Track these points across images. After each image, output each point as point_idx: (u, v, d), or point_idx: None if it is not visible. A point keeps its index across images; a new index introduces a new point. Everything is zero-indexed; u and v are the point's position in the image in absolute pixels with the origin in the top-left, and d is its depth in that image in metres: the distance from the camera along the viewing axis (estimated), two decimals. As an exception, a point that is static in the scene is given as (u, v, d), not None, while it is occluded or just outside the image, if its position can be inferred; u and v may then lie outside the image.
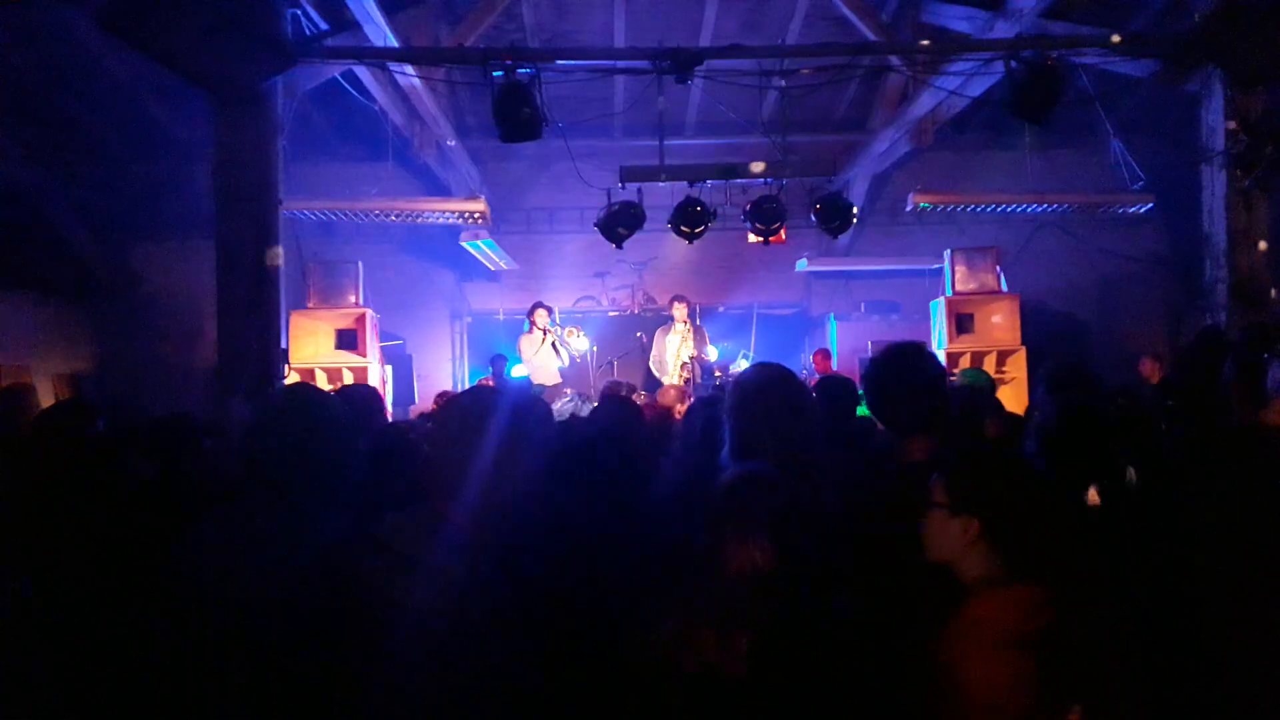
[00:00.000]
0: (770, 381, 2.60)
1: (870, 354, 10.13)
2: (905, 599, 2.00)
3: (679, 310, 9.84)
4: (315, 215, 9.39)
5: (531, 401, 2.99)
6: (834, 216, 7.61)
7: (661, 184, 7.55)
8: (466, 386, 10.79)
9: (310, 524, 2.17)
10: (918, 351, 2.66)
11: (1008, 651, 1.77)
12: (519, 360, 9.75)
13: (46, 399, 9.58)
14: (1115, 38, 6.67)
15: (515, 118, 6.28)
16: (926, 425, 2.48)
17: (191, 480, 3.91)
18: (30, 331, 9.67)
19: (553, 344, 9.74)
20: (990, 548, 1.93)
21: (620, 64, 7.27)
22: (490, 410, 2.04)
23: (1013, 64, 6.62)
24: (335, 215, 9.43)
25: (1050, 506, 2.00)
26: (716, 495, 2.11)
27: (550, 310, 9.91)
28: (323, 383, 8.35)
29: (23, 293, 9.47)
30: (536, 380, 9.43)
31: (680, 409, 7.23)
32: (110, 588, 2.50)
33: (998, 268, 9.56)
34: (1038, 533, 1.94)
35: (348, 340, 8.85)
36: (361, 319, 8.84)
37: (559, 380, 9.60)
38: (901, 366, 2.59)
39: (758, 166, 7.41)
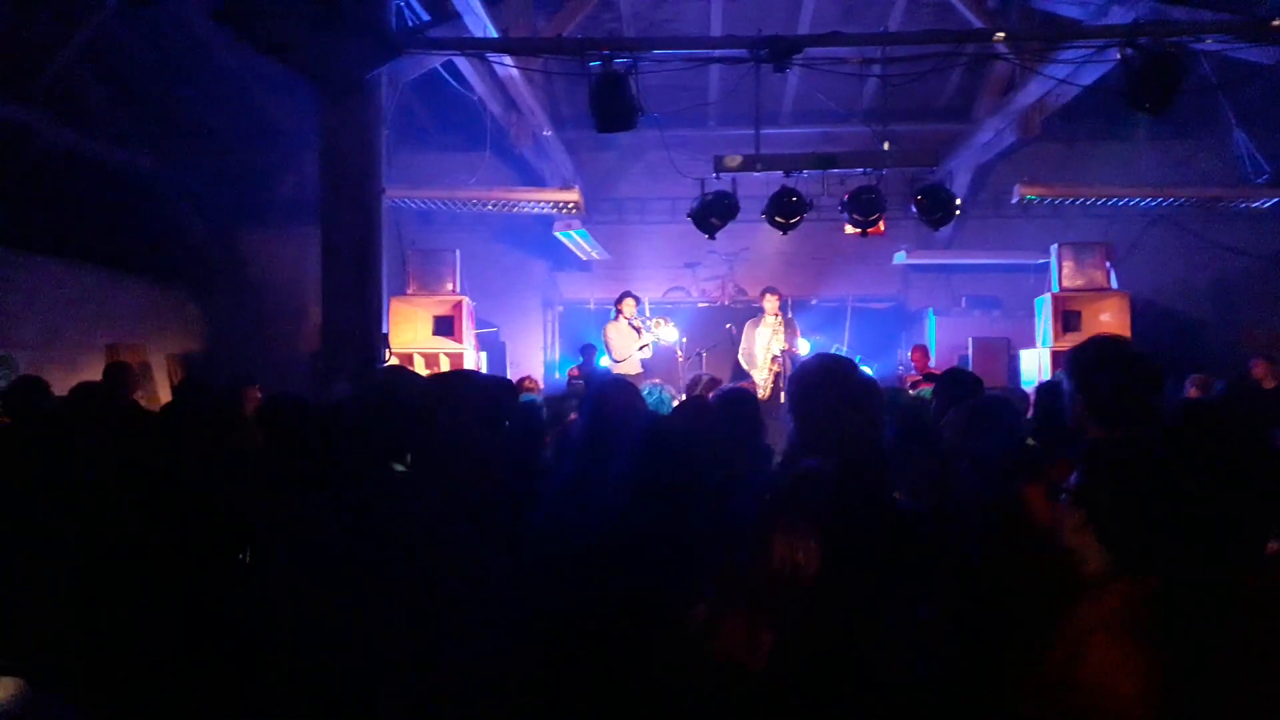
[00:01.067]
0: (828, 373, 2.54)
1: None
2: (1006, 596, 1.95)
3: (770, 302, 9.71)
4: (415, 204, 9.58)
5: (617, 391, 3.00)
6: (936, 208, 7.42)
7: (756, 174, 7.48)
8: (556, 375, 10.91)
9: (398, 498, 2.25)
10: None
11: (1133, 645, 1.71)
12: (604, 350, 9.74)
13: (161, 378, 10.05)
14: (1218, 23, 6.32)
15: (611, 108, 6.29)
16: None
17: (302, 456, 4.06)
18: (144, 313, 10.11)
19: (636, 331, 9.72)
20: (1102, 540, 1.87)
21: (717, 53, 7.19)
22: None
23: (1128, 51, 6.34)
24: (434, 204, 9.62)
25: (1172, 499, 1.92)
26: (772, 490, 2.09)
27: (639, 300, 9.88)
28: (420, 368, 8.53)
29: (137, 275, 9.90)
30: (620, 370, 9.43)
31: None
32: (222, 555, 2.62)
33: (1107, 263, 9.19)
34: (1155, 524, 1.87)
35: (444, 327, 9.02)
36: (458, 306, 9.00)
37: (640, 371, 9.57)
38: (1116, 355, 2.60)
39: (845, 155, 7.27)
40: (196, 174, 10.37)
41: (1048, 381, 5.48)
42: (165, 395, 9.68)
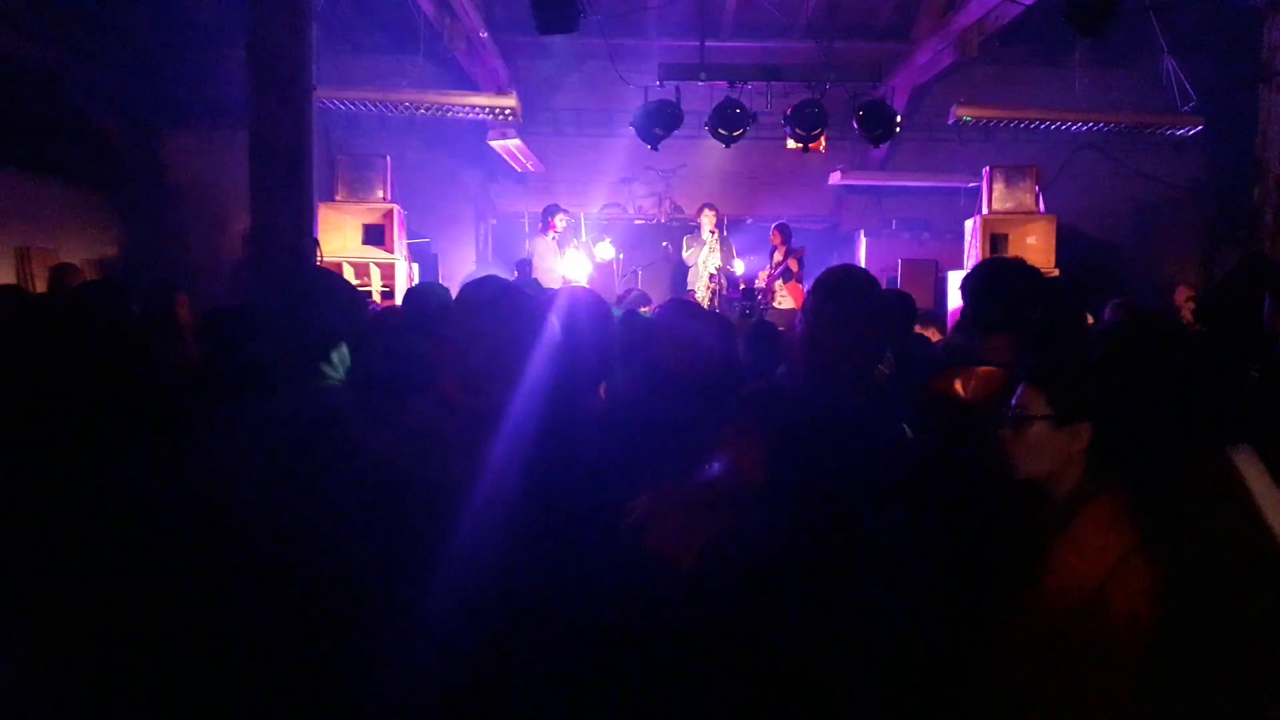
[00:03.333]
0: (849, 283, 2.51)
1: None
2: (978, 515, 2.00)
3: (707, 218, 9.71)
4: (345, 105, 9.24)
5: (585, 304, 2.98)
6: (877, 124, 7.46)
7: (698, 88, 7.39)
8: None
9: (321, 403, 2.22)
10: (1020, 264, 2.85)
11: (1150, 559, 1.78)
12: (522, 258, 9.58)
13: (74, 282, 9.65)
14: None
15: (552, 6, 6.11)
16: (1012, 325, 2.53)
17: (238, 367, 3.95)
18: (56, 215, 9.63)
19: (574, 248, 9.64)
20: (1091, 453, 1.92)
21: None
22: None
23: (1070, -29, 6.39)
24: (365, 106, 9.28)
25: (1158, 416, 2.00)
26: (736, 402, 2.12)
27: (569, 214, 9.73)
28: (350, 277, 8.34)
29: (49, 176, 9.41)
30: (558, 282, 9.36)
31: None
32: (141, 470, 2.51)
33: (1036, 187, 9.37)
34: (1148, 442, 1.94)
35: (375, 235, 8.82)
36: (389, 214, 8.78)
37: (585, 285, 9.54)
38: (1004, 270, 2.76)
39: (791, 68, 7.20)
40: (112, 72, 9.82)
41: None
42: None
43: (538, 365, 2.58)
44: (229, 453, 2.12)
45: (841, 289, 2.44)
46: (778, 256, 9.61)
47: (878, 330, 2.39)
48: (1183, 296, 8.52)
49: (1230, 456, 2.23)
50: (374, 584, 1.74)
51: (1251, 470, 2.15)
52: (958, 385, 2.46)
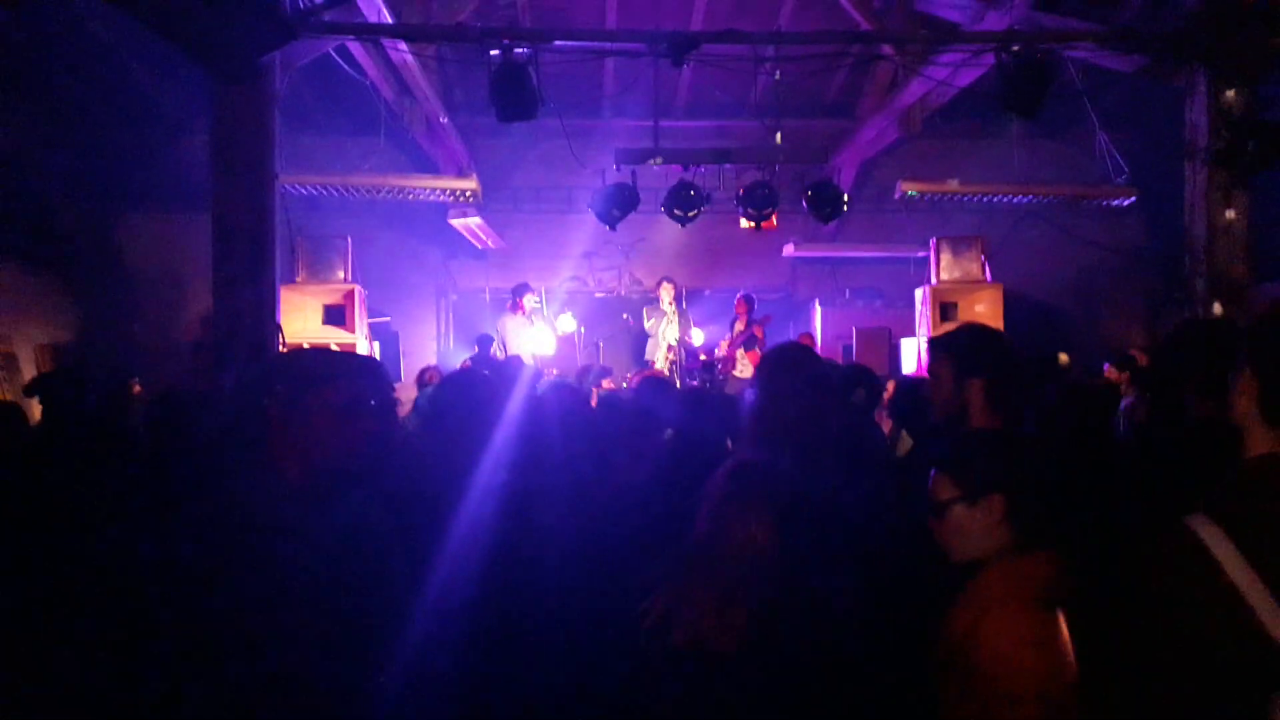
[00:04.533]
0: (794, 361, 2.64)
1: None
2: (918, 578, 2.05)
3: (666, 291, 9.89)
4: (307, 190, 9.34)
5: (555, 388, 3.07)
6: (825, 203, 7.70)
7: (654, 166, 7.60)
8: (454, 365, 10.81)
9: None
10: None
11: (1037, 612, 1.79)
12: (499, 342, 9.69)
13: (28, 370, 9.53)
14: (1086, 31, 6.77)
15: (512, 98, 6.30)
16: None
17: (187, 452, 3.94)
18: (10, 301, 9.56)
19: (541, 322, 9.77)
20: (1011, 521, 1.93)
21: (616, 46, 7.26)
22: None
23: (1004, 56, 6.72)
24: (327, 190, 9.40)
25: (1061, 474, 2.03)
26: (721, 475, 2.16)
27: (536, 293, 9.89)
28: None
29: (3, 260, 9.36)
30: (528, 358, 9.43)
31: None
32: (99, 562, 2.47)
33: (982, 257, 9.69)
34: (1054, 500, 1.97)
35: (335, 316, 8.85)
36: (350, 295, 8.84)
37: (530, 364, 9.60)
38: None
39: (742, 151, 7.45)
40: (68, 154, 9.85)
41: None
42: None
43: (491, 457, 2.64)
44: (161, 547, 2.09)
45: (787, 367, 2.59)
46: (739, 326, 9.79)
47: (821, 403, 2.52)
48: (1113, 374, 8.79)
49: (1190, 525, 2.35)
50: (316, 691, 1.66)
51: (1212, 537, 2.25)
52: None
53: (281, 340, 6.65)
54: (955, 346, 2.79)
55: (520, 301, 9.57)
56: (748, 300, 9.95)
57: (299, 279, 8.90)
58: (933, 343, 2.91)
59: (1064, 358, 6.71)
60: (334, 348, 8.64)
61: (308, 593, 1.67)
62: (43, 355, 9.75)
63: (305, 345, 8.50)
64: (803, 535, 2.01)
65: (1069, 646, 1.75)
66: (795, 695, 1.90)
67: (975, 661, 1.76)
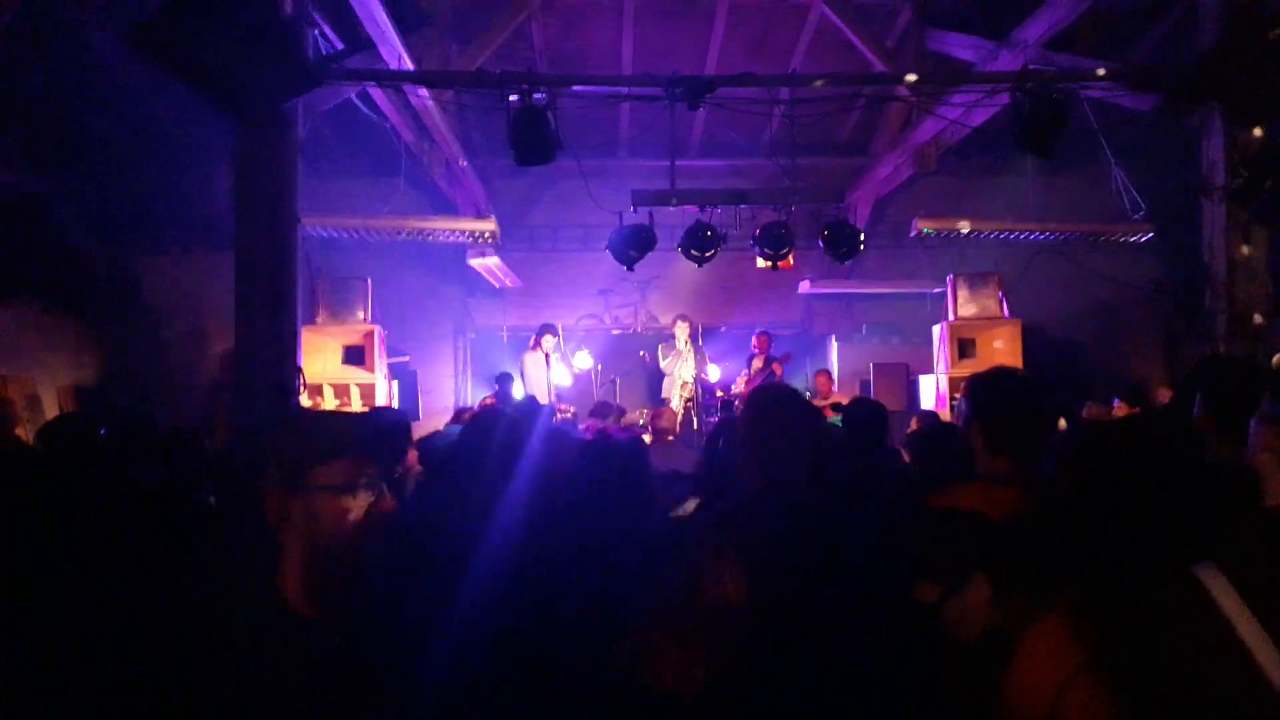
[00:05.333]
0: (771, 404, 2.64)
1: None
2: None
3: (681, 329, 9.92)
4: (327, 232, 9.46)
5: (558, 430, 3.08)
6: (841, 242, 7.72)
7: (671, 207, 7.66)
8: (473, 403, 10.85)
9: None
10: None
11: (1080, 679, 1.75)
12: (517, 378, 9.77)
13: (50, 410, 9.62)
14: (1100, 71, 6.80)
15: (530, 142, 6.37)
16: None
17: (194, 491, 3.97)
18: (33, 342, 9.67)
19: (558, 360, 9.83)
20: (1006, 594, 1.91)
21: (633, 90, 7.35)
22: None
23: (1017, 95, 6.75)
24: (348, 232, 9.51)
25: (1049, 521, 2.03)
26: (699, 525, 2.17)
27: (557, 334, 9.97)
28: (330, 399, 8.41)
29: (26, 301, 9.48)
30: (541, 396, 9.48)
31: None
32: (111, 598, 2.45)
33: (1000, 293, 9.68)
34: (1043, 554, 1.96)
35: (355, 356, 8.92)
36: (370, 335, 8.91)
37: (551, 401, 9.65)
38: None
39: (758, 192, 7.48)
40: (91, 195, 10.00)
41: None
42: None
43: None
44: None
45: (766, 407, 2.60)
46: (757, 363, 9.80)
47: (804, 444, 2.51)
48: (1165, 397, 8.73)
49: (1196, 575, 2.32)
50: None
51: (1220, 588, 2.22)
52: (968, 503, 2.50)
53: (302, 381, 6.70)
54: (969, 389, 2.83)
55: (539, 341, 9.66)
56: (766, 336, 9.97)
57: (319, 320, 8.99)
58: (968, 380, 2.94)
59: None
60: (354, 388, 8.73)
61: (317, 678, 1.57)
62: (65, 396, 9.85)
63: (325, 386, 8.58)
64: (779, 589, 2.00)
65: (1139, 689, 1.72)
66: None
67: None
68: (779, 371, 9.72)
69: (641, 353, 11.05)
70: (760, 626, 1.97)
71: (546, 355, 9.70)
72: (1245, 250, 6.80)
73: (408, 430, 4.57)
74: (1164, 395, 8.74)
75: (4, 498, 3.22)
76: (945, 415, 8.53)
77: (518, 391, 9.57)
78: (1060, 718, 1.75)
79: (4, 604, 2.36)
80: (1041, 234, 10.05)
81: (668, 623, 2.03)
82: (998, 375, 2.88)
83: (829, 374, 10.55)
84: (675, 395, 9.73)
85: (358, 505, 1.61)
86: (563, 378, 9.83)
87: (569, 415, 9.18)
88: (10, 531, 2.80)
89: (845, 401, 8.53)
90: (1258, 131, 6.71)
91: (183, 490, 3.94)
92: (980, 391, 2.77)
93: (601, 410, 8.20)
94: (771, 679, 1.93)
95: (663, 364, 10.06)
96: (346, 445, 1.64)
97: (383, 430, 1.71)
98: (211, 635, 1.56)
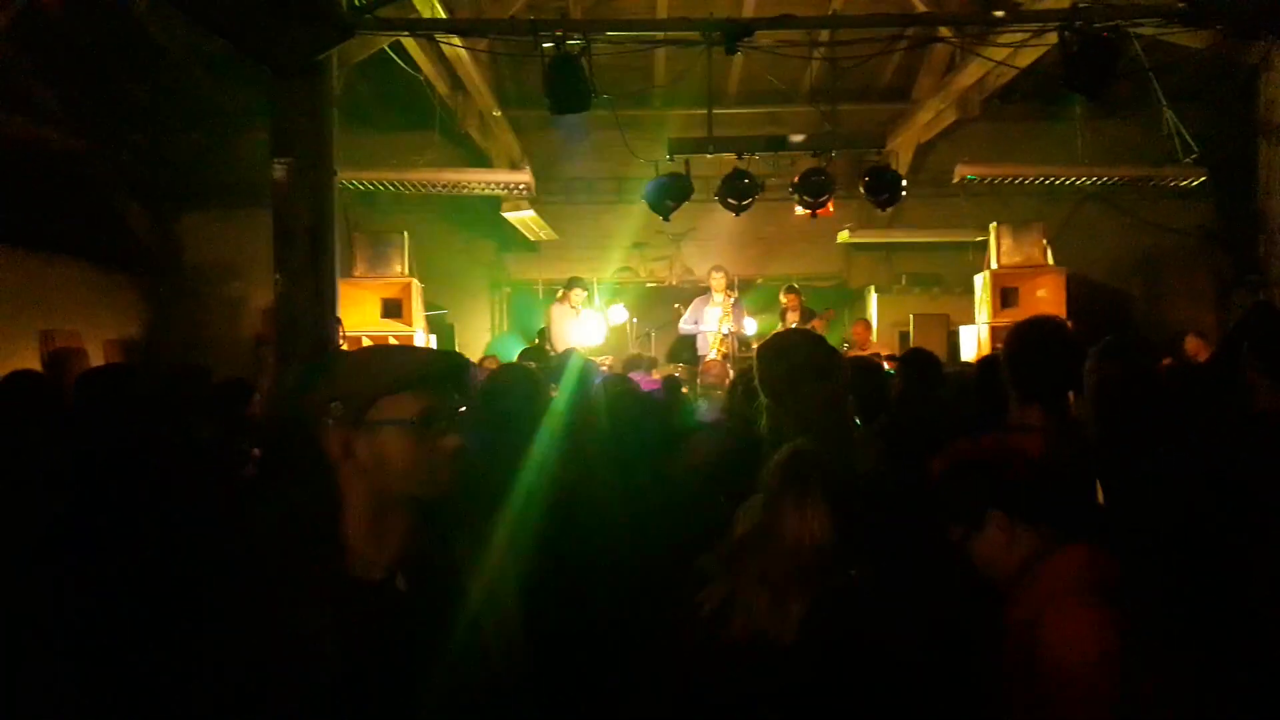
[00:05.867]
0: (793, 348, 2.64)
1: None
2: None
3: (718, 280, 9.81)
4: (364, 185, 9.46)
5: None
6: (882, 189, 7.57)
7: (706, 155, 7.55)
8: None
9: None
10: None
11: (1090, 604, 1.76)
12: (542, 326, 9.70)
13: (98, 364, 9.80)
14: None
15: (565, 89, 6.29)
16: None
17: (245, 445, 4.00)
18: (79, 298, 9.83)
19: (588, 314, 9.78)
20: (1022, 528, 1.94)
21: (669, 35, 7.21)
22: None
23: (1066, 35, 6.52)
24: (383, 185, 9.51)
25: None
26: (772, 468, 2.15)
27: (586, 289, 9.88)
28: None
29: (72, 259, 9.63)
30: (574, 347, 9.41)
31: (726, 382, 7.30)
32: (157, 562, 2.42)
33: (1044, 241, 9.48)
34: (1057, 491, 1.97)
35: (393, 309, 8.97)
36: (407, 288, 8.95)
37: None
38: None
39: (797, 137, 7.39)
40: (133, 155, 10.09)
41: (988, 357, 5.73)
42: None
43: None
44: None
45: (782, 353, 2.60)
46: (792, 317, 9.69)
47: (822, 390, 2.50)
48: (1193, 345, 8.54)
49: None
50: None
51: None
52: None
53: (342, 333, 6.75)
54: (1006, 338, 2.83)
55: (568, 294, 9.59)
56: (794, 292, 9.84)
57: (357, 273, 9.03)
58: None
59: None
60: (392, 340, 8.78)
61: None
62: (111, 350, 10.02)
63: (363, 339, 8.64)
64: (857, 523, 2.01)
65: (1129, 633, 1.72)
66: (855, 686, 1.89)
67: (1040, 662, 1.74)
68: (820, 327, 9.61)
69: (676, 306, 10.97)
70: (845, 562, 1.97)
71: (576, 308, 9.64)
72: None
73: (471, 373, 4.58)
74: (1191, 345, 8.53)
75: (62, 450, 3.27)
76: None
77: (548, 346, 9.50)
78: (1037, 636, 1.75)
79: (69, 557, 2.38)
80: (1089, 180, 9.78)
81: (757, 564, 2.01)
82: (1032, 324, 2.89)
83: (867, 323, 10.42)
84: (714, 347, 9.66)
85: (427, 442, 1.52)
86: (593, 332, 9.77)
87: (606, 367, 9.16)
88: (65, 484, 2.83)
89: (883, 352, 8.45)
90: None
91: (232, 444, 3.97)
92: (1013, 340, 2.78)
93: (634, 363, 8.18)
94: (862, 616, 1.93)
95: (682, 324, 9.95)
96: (416, 378, 1.55)
97: (451, 369, 1.65)
98: (268, 596, 1.49)
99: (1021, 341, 2.73)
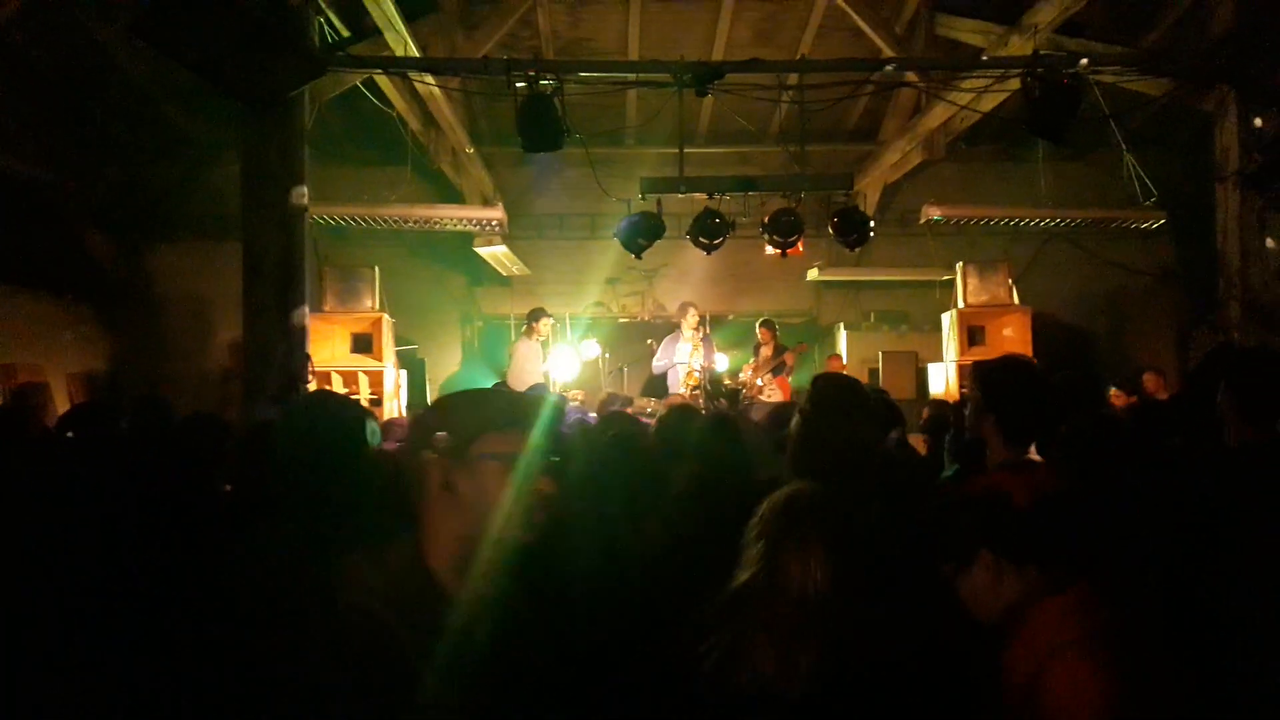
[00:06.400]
0: (839, 392, 2.66)
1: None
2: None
3: (690, 318, 9.86)
4: (333, 220, 9.44)
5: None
6: (851, 229, 7.67)
7: (678, 195, 7.63)
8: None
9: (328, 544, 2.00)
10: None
11: (1090, 652, 1.75)
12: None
13: (60, 399, 9.65)
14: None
15: (538, 128, 6.35)
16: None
17: (217, 484, 3.93)
18: (44, 331, 9.70)
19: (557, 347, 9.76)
20: (1009, 569, 1.92)
21: (641, 77, 7.31)
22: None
23: (1028, 80, 6.69)
24: (355, 220, 9.50)
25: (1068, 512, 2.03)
26: (773, 511, 2.12)
27: (552, 317, 9.84)
28: (338, 387, 8.41)
29: (37, 292, 9.51)
30: (530, 383, 9.33)
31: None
32: (133, 595, 2.43)
33: (1010, 280, 9.63)
34: (1045, 532, 1.95)
35: (363, 344, 8.92)
36: (378, 323, 8.90)
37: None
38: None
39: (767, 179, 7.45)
40: (100, 186, 10.02)
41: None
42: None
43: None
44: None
45: (836, 396, 2.62)
46: (765, 352, 9.76)
47: (866, 434, 2.54)
48: (1152, 383, 8.67)
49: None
50: None
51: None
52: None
53: (311, 368, 6.70)
54: (981, 380, 2.84)
55: (535, 326, 9.51)
56: (769, 326, 9.93)
57: (327, 308, 8.98)
58: (974, 367, 2.97)
59: None
60: (362, 376, 8.72)
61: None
62: (75, 385, 9.87)
63: (333, 374, 8.58)
64: (858, 569, 1.98)
65: (1129, 678, 1.72)
66: None
67: (1044, 713, 1.73)
68: (790, 362, 9.67)
69: (649, 341, 10.99)
70: (847, 609, 1.93)
71: (541, 342, 9.54)
72: (1263, 240, 6.74)
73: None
74: (1150, 382, 8.66)
75: (43, 485, 3.19)
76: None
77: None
78: (1041, 691, 1.74)
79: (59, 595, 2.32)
80: (1052, 221, 9.98)
81: (760, 613, 1.96)
82: (1009, 367, 2.92)
83: (840, 359, 10.49)
84: (684, 384, 9.67)
85: (524, 483, 1.56)
86: (563, 366, 9.72)
87: (578, 402, 9.13)
88: (50, 520, 2.75)
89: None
90: (1262, 117, 6.64)
91: (205, 478, 3.90)
92: (994, 384, 2.79)
93: (610, 403, 8.17)
94: (869, 665, 1.89)
95: (655, 362, 9.96)
96: (520, 417, 1.60)
97: (550, 415, 1.67)
98: (267, 629, 1.51)
99: (1015, 382, 2.77)
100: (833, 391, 2.70)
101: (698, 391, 9.37)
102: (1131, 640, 1.79)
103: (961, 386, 8.85)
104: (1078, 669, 1.72)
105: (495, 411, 1.60)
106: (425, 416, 1.64)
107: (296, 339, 6.12)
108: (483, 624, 1.63)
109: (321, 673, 1.41)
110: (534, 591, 2.13)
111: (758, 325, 10.04)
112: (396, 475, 1.71)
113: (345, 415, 2.36)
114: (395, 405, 9.00)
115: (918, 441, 5.82)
